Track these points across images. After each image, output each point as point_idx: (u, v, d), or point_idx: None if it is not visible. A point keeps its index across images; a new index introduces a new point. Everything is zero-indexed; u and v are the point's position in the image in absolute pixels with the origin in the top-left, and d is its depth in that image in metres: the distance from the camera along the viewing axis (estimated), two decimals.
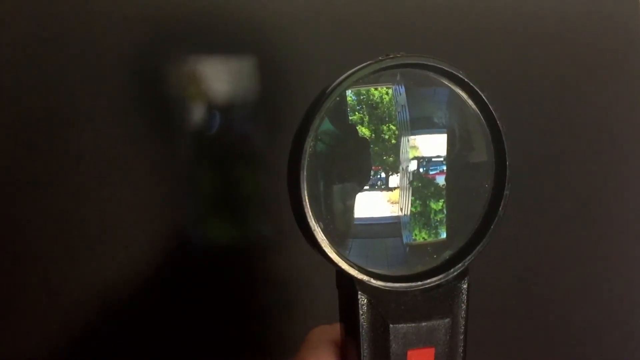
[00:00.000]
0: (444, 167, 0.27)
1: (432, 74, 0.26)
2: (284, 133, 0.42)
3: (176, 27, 0.40)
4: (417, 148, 0.27)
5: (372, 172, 0.26)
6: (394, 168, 0.27)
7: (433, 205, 0.27)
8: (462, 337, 0.27)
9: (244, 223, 0.43)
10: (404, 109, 0.27)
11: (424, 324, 0.26)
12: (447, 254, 0.27)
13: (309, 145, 0.25)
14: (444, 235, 0.27)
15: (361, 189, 0.26)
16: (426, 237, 0.27)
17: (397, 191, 0.27)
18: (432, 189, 0.27)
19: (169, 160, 0.42)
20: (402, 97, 0.27)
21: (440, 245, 0.27)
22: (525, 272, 0.50)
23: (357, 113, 0.26)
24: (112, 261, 0.41)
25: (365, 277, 0.26)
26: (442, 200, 0.27)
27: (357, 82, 0.25)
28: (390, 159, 0.27)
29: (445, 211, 0.27)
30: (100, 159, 0.40)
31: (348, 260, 0.26)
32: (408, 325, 0.25)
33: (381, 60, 0.25)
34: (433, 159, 0.27)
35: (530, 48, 0.47)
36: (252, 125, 0.42)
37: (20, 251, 0.39)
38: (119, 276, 0.41)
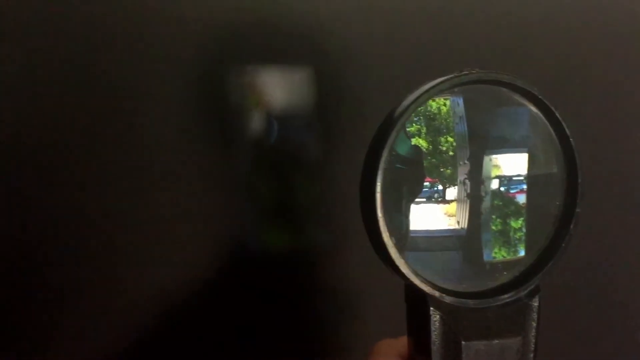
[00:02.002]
0: (524, 186, 0.27)
1: (504, 90, 0.26)
2: (341, 142, 0.42)
3: (236, 36, 0.40)
4: (499, 167, 0.26)
5: (432, 185, 0.26)
6: (451, 180, 0.27)
7: (513, 224, 0.27)
8: (532, 355, 0.26)
9: (301, 231, 0.44)
10: (461, 121, 0.27)
11: (495, 341, 0.25)
12: (516, 271, 0.27)
13: (384, 162, 0.25)
14: (522, 253, 0.27)
15: (423, 202, 0.26)
16: (505, 255, 0.27)
17: (454, 204, 0.27)
18: (512, 207, 0.27)
19: (227, 168, 0.42)
20: (460, 109, 0.27)
21: (511, 262, 0.27)
22: (598, 289, 0.48)
23: (414, 124, 0.26)
24: (169, 266, 0.42)
25: (437, 293, 0.26)
26: (522, 218, 0.27)
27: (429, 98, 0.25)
28: (448, 171, 0.27)
29: (524, 229, 0.27)
30: (159, 165, 0.41)
31: (420, 276, 0.26)
32: (480, 342, 0.25)
33: (458, 77, 0.25)
34: (514, 178, 0.27)
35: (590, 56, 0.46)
36: (310, 134, 0.43)
37: (78, 255, 0.40)
38: (176, 281, 0.42)
